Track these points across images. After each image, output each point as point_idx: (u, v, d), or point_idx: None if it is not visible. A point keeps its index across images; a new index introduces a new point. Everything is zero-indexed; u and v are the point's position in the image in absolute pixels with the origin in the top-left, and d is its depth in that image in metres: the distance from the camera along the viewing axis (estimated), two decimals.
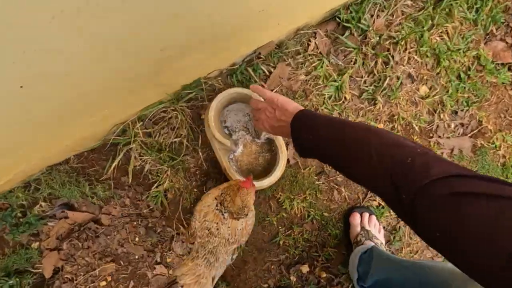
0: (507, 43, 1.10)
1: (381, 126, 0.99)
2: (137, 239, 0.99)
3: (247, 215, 0.62)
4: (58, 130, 0.74)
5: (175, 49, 0.67)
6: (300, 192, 0.95)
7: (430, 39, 0.98)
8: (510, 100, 1.06)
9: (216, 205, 0.61)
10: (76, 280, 0.95)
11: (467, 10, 1.00)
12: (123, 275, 0.97)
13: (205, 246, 0.59)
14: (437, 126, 1.02)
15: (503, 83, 1.06)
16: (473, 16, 1.01)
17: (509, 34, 1.11)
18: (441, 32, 1.00)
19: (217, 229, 0.59)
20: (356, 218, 0.94)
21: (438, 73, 1.00)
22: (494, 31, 1.08)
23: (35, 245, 0.94)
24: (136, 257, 0.99)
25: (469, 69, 1.02)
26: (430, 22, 0.98)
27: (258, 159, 0.91)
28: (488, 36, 1.08)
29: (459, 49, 1.00)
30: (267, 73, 0.94)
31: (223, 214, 0.60)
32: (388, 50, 0.98)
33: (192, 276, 0.55)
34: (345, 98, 0.97)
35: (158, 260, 1.00)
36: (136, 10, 0.49)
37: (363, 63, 0.98)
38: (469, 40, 1.01)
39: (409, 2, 1.00)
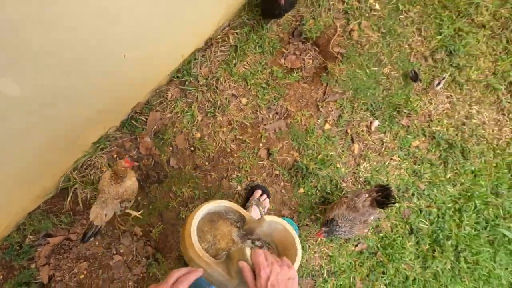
0: (296, 55, 1.77)
1: (224, 129, 1.61)
2: (97, 243, 1.55)
3: (123, 182, 1.13)
4: (28, 188, 1.33)
5: (82, 122, 1.28)
6: (185, 182, 1.55)
7: (238, 70, 1.64)
8: (303, 90, 1.72)
9: (110, 176, 1.16)
10: (64, 279, 1.49)
11: (255, 48, 1.67)
12: (94, 268, 1.52)
13: (101, 199, 1.15)
14: (262, 119, 1.66)
15: (296, 80, 1.71)
16: (259, 50, 1.67)
17: (297, 50, 1.78)
18: (244, 64, 1.66)
19: (108, 189, 1.14)
20: (259, 192, 1.54)
21: (249, 89, 1.65)
22: (285, 51, 1.74)
23: (32, 265, 1.49)
24: (99, 254, 1.54)
25: (268, 80, 1.67)
26: (234, 61, 1.64)
27: None
28: (284, 54, 1.75)
29: (257, 71, 1.66)
30: (145, 120, 1.56)
31: (111, 181, 1.16)
32: (215, 84, 1.62)
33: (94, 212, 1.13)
34: (197, 119, 1.60)
35: (114, 252, 1.56)
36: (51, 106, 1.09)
37: (202, 96, 1.61)
38: (262, 64, 1.67)
39: (220, 53, 1.65)
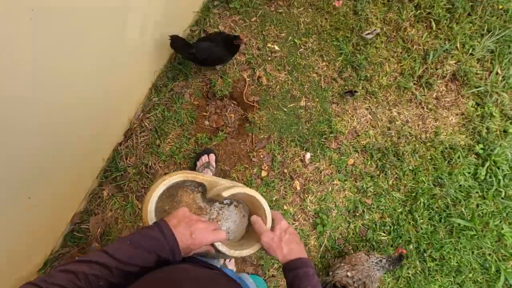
0: (217, 113, 1.83)
1: None
2: None
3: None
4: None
5: (22, 251, 1.29)
6: None
7: (164, 150, 1.69)
8: (232, 146, 1.77)
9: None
10: None
11: (174, 124, 1.73)
12: None
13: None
14: None
15: (223, 139, 1.77)
16: (179, 123, 1.74)
17: (217, 109, 1.84)
18: (168, 142, 1.71)
19: None
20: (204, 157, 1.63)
21: (180, 163, 1.70)
22: (206, 113, 1.81)
23: None
24: None
25: (195, 149, 1.73)
26: (157, 141, 1.69)
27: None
28: (206, 116, 1.81)
29: (183, 143, 1.71)
30: (87, 227, 1.57)
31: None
32: (146, 169, 1.66)
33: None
34: (138, 209, 1.62)
35: None
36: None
37: (137, 185, 1.65)
38: (186, 135, 1.73)
39: (141, 139, 1.70)
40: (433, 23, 1.99)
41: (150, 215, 0.72)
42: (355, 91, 1.80)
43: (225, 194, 0.76)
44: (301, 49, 1.89)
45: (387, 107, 1.88)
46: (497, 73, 1.99)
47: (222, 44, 1.56)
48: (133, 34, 1.34)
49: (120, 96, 1.53)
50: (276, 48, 1.88)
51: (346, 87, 1.87)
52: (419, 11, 2.00)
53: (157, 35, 1.51)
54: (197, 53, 1.52)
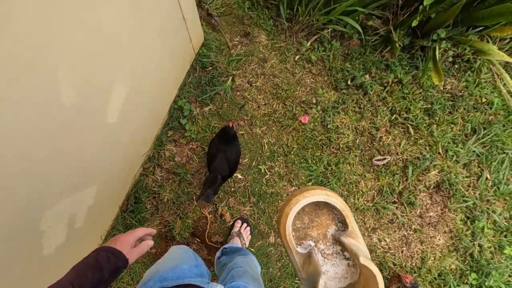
0: None
1: None
2: None
3: None
4: None
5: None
6: None
7: None
8: None
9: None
10: None
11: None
12: None
13: None
14: None
15: None
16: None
17: None
18: None
19: None
20: (239, 222, 1.61)
21: None
22: None
23: None
24: None
25: None
26: None
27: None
28: None
29: None
30: None
31: None
32: None
33: None
34: None
35: None
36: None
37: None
38: None
39: None
40: (410, 128, 1.82)
41: (288, 230, 0.71)
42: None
43: (363, 261, 0.65)
44: (266, 176, 1.73)
45: (366, 234, 1.70)
46: (486, 179, 1.80)
47: (225, 142, 1.38)
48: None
49: None
50: (239, 176, 1.71)
51: None
52: (394, 116, 1.83)
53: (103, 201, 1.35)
54: (219, 174, 1.33)
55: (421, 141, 1.82)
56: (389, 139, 1.81)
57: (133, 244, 0.73)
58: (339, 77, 1.86)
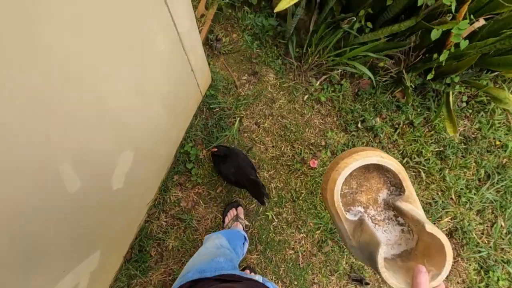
0: None
1: None
2: None
3: None
4: None
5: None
6: None
7: None
8: None
9: None
10: None
11: None
12: None
13: None
14: None
15: None
16: None
17: None
18: None
19: None
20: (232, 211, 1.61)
21: None
22: None
23: None
24: None
25: None
26: None
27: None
28: None
29: None
30: None
31: None
32: None
33: None
34: None
35: None
36: None
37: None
38: None
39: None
40: (422, 173, 1.77)
41: (337, 196, 0.65)
42: (366, 283, 1.58)
43: (430, 229, 0.58)
44: (274, 222, 1.68)
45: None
46: (501, 226, 1.75)
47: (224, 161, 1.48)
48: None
49: None
50: (246, 223, 1.67)
51: (354, 272, 1.64)
52: (405, 159, 1.79)
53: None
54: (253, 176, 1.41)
55: (433, 185, 1.76)
56: None
57: None
58: (349, 119, 1.81)
